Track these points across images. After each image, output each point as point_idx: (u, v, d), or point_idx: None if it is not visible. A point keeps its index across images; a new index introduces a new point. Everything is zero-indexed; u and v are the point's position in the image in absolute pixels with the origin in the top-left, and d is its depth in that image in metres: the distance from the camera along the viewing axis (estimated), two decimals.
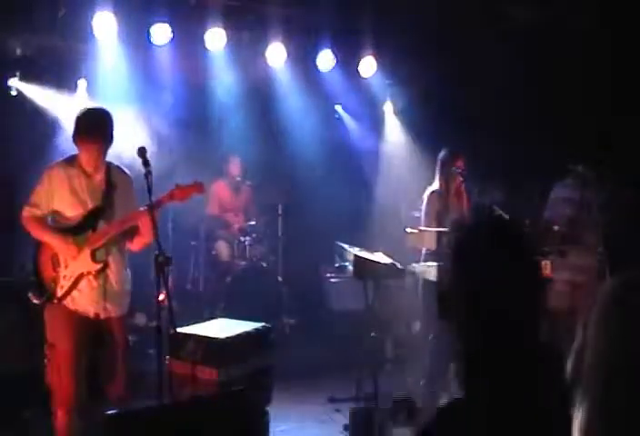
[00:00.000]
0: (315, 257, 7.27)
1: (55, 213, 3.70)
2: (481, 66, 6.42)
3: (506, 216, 4.89)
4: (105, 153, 3.72)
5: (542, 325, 1.56)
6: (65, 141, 4.22)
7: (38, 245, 3.71)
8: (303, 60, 6.70)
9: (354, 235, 6.06)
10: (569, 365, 1.71)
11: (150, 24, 5.78)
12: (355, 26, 6.53)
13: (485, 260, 1.57)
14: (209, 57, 6.44)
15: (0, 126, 5.96)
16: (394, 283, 5.80)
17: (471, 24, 6.17)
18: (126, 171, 3.90)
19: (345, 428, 4.71)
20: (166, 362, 3.52)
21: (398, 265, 5.11)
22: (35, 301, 3.66)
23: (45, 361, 3.61)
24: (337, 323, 6.58)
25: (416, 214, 5.66)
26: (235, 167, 7.22)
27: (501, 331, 1.53)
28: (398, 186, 7.49)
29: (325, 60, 6.63)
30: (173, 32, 5.82)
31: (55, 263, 3.65)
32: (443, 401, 4.27)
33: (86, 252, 3.63)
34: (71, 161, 3.73)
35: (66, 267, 3.63)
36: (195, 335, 3.91)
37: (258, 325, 4.18)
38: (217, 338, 3.87)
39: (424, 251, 5.24)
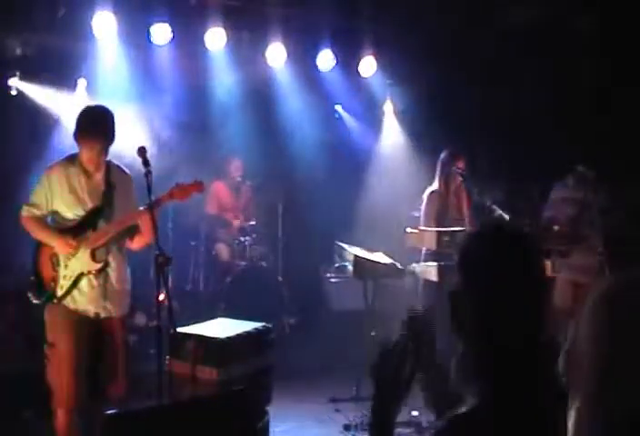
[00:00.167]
0: (315, 257, 7.27)
1: (55, 213, 3.70)
2: (481, 66, 6.42)
3: (506, 216, 4.90)
4: (106, 150, 3.72)
5: (546, 327, 1.58)
6: (65, 140, 4.22)
7: (38, 245, 3.71)
8: (303, 60, 6.70)
9: (354, 235, 6.07)
10: (560, 365, 1.72)
11: (150, 24, 5.78)
12: (354, 26, 6.53)
13: (490, 267, 1.59)
14: (209, 57, 6.44)
15: (0, 126, 5.96)
16: (394, 283, 5.79)
17: (471, 24, 6.17)
18: (126, 170, 3.89)
19: (345, 428, 4.71)
20: (166, 362, 3.52)
21: (398, 265, 5.12)
22: (35, 301, 3.66)
23: (45, 361, 3.60)
24: (337, 323, 6.58)
25: (416, 214, 5.66)
26: (235, 167, 7.21)
27: (507, 335, 1.56)
28: (398, 186, 7.49)
29: (325, 60, 6.62)
30: (173, 32, 5.82)
31: (55, 263, 3.65)
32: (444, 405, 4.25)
33: (86, 252, 3.63)
34: (71, 160, 3.73)
35: (66, 267, 3.63)
36: (195, 335, 3.91)
37: (258, 325, 4.17)
38: (217, 338, 3.87)
39: (424, 251, 5.25)
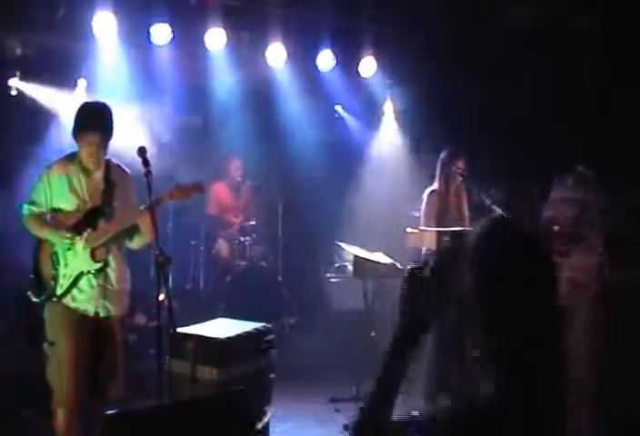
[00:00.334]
0: (315, 257, 7.27)
1: (55, 212, 3.70)
2: (481, 66, 6.42)
3: (507, 216, 4.90)
4: (104, 146, 3.71)
5: (554, 327, 1.58)
6: (65, 140, 4.21)
7: (38, 243, 3.71)
8: (303, 60, 6.71)
9: (354, 235, 6.07)
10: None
11: (150, 24, 5.78)
12: (354, 26, 6.53)
13: (500, 267, 1.60)
14: (209, 57, 6.44)
15: (0, 126, 5.96)
16: (394, 283, 5.79)
17: (471, 24, 6.18)
18: (126, 169, 3.89)
19: (345, 428, 4.71)
20: (166, 362, 3.52)
21: (398, 265, 5.12)
22: (35, 299, 3.66)
23: (45, 360, 3.60)
24: (337, 323, 6.58)
25: (416, 214, 5.66)
26: (235, 167, 7.22)
27: (514, 335, 1.57)
28: (398, 186, 7.49)
29: (325, 60, 6.63)
30: (173, 32, 5.82)
31: (55, 262, 3.65)
32: (442, 400, 4.26)
33: (86, 251, 3.63)
34: (71, 158, 3.73)
35: (66, 265, 3.63)
36: (195, 335, 3.91)
37: (258, 325, 4.17)
38: (217, 338, 3.87)
39: (424, 251, 5.25)
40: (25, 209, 3.71)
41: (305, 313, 7.13)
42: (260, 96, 7.25)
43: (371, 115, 7.96)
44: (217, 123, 7.43)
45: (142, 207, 3.56)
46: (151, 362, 3.53)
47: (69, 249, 3.62)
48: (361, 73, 6.88)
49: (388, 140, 7.98)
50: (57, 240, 3.62)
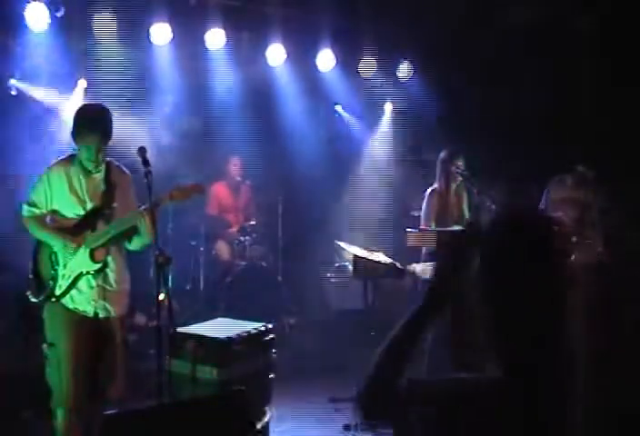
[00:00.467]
0: (315, 257, 7.27)
1: (55, 213, 3.70)
2: (481, 66, 6.43)
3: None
4: (104, 147, 3.71)
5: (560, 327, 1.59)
6: (65, 140, 4.21)
7: (37, 244, 3.72)
8: (303, 60, 6.71)
9: (354, 235, 6.07)
10: None
11: (150, 24, 5.78)
12: (355, 26, 6.53)
13: (514, 260, 1.61)
14: (209, 57, 6.44)
15: (0, 126, 5.96)
16: (394, 283, 5.80)
17: (471, 24, 6.18)
18: (126, 170, 3.89)
19: (345, 428, 4.71)
20: (166, 362, 3.52)
21: (398, 265, 5.12)
22: (34, 299, 3.66)
23: (45, 360, 3.60)
24: (337, 323, 6.58)
25: (416, 214, 5.66)
26: (234, 167, 7.22)
27: (520, 330, 1.58)
28: (398, 186, 7.49)
29: (325, 60, 6.63)
30: (173, 32, 5.82)
31: (54, 262, 3.65)
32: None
33: (86, 252, 3.63)
34: (71, 159, 3.73)
35: (65, 266, 3.63)
36: (195, 335, 3.91)
37: (258, 325, 4.17)
38: (217, 338, 3.86)
39: (424, 251, 5.24)
40: (25, 210, 3.71)
41: (305, 313, 7.13)
42: (260, 96, 7.25)
43: (371, 115, 7.96)
44: (217, 123, 7.43)
45: (142, 208, 3.56)
46: (151, 362, 3.53)
47: (69, 251, 3.62)
48: (361, 73, 6.88)
49: (388, 140, 7.98)
50: (56, 244, 3.62)
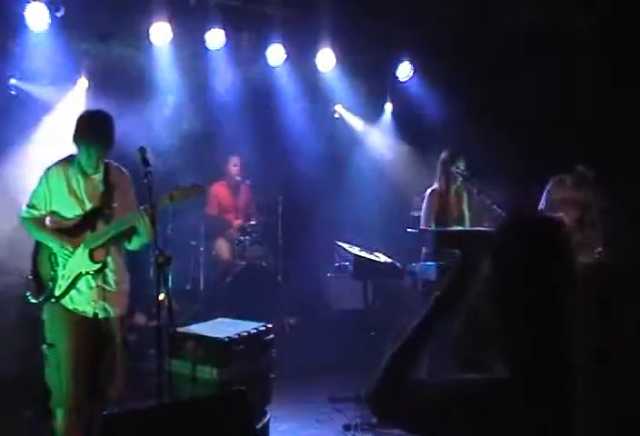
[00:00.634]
0: (315, 257, 7.26)
1: (54, 214, 3.70)
2: (481, 66, 6.42)
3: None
4: (105, 156, 3.72)
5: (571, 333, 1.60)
6: (65, 140, 4.21)
7: (37, 245, 3.72)
8: (303, 60, 6.70)
9: (354, 235, 6.07)
10: None
11: (150, 24, 5.78)
12: (355, 26, 6.53)
13: (527, 265, 1.61)
14: (209, 57, 6.44)
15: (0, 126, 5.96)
16: (394, 283, 5.79)
17: (471, 24, 6.18)
18: (125, 171, 3.89)
19: (345, 428, 4.71)
20: (166, 362, 3.52)
21: (398, 265, 5.12)
22: (33, 300, 3.66)
23: (45, 361, 3.60)
24: (337, 323, 6.57)
25: (416, 214, 5.66)
26: (234, 167, 7.22)
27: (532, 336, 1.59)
28: (398, 186, 7.49)
29: (325, 60, 6.63)
30: (173, 32, 5.82)
31: (54, 263, 3.65)
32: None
33: (85, 252, 3.63)
34: (70, 160, 3.73)
35: (65, 267, 3.63)
36: (195, 335, 3.91)
37: (258, 325, 4.18)
38: (217, 338, 3.87)
39: (424, 251, 5.24)
40: (24, 211, 3.72)
41: (305, 313, 7.13)
42: (260, 96, 7.24)
43: (371, 115, 7.96)
44: (217, 122, 7.43)
45: (141, 208, 3.56)
46: (151, 362, 3.53)
47: (66, 252, 3.62)
48: (360, 72, 6.88)
49: (388, 140, 7.98)
50: (54, 245, 3.62)
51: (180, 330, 3.92)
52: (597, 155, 5.14)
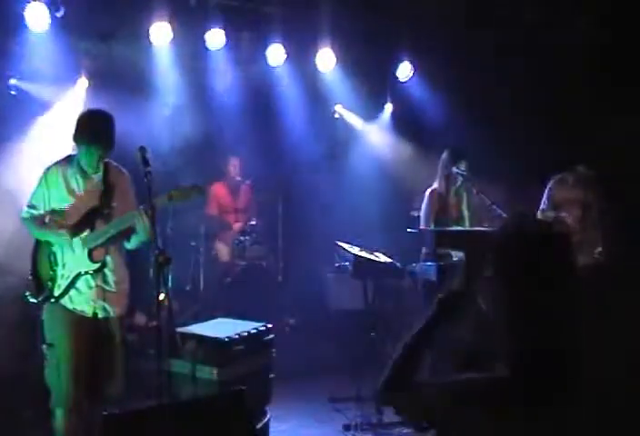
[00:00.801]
0: (315, 257, 7.26)
1: (53, 213, 3.70)
2: (481, 66, 6.42)
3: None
4: (106, 156, 3.72)
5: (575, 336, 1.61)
6: (65, 140, 4.21)
7: (36, 245, 3.72)
8: (303, 60, 6.70)
9: (354, 235, 6.06)
10: None
11: (150, 24, 5.77)
12: (354, 26, 6.52)
13: (529, 269, 1.62)
14: (209, 57, 6.44)
15: (0, 126, 5.96)
16: (394, 283, 5.79)
17: (470, 24, 6.17)
18: (124, 170, 3.89)
19: (345, 428, 4.71)
20: (166, 362, 3.52)
21: (398, 265, 5.12)
22: (33, 300, 3.66)
23: (44, 361, 3.60)
24: (337, 323, 6.57)
25: (416, 214, 5.66)
26: (234, 167, 7.22)
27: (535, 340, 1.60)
28: (398, 186, 7.49)
29: (325, 60, 6.63)
30: (173, 32, 5.82)
31: (53, 263, 3.65)
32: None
33: (84, 252, 3.63)
34: (69, 160, 3.73)
35: (64, 266, 3.63)
36: (195, 335, 3.91)
37: (258, 325, 4.18)
38: (217, 338, 3.87)
39: (424, 250, 5.24)
40: (24, 212, 3.73)
41: (305, 313, 7.13)
42: (260, 96, 7.24)
43: (371, 115, 7.96)
44: (217, 123, 7.42)
45: (140, 207, 3.56)
46: (151, 362, 3.53)
47: (67, 249, 3.62)
48: (360, 72, 6.88)
49: (388, 140, 7.98)
50: (55, 239, 3.62)
51: (180, 330, 3.92)
52: (597, 155, 5.14)
